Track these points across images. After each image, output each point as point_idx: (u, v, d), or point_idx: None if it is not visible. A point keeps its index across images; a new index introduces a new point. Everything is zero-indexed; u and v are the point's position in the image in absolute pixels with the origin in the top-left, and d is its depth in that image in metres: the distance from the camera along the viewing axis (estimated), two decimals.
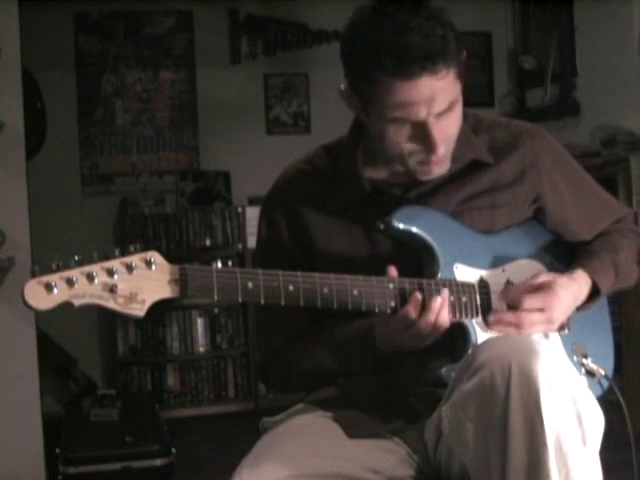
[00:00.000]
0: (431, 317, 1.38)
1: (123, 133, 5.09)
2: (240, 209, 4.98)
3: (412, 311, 1.38)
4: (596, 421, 1.25)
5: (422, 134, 1.41)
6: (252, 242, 4.85)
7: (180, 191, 5.08)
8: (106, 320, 4.95)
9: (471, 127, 1.56)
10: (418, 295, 1.38)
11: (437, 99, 1.37)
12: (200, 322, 4.94)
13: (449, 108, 1.40)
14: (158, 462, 3.37)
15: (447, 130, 1.43)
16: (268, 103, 5.31)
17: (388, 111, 1.39)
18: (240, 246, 4.92)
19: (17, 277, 3.19)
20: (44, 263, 1.18)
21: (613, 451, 1.38)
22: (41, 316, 3.42)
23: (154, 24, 5.13)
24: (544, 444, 1.18)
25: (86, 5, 4.97)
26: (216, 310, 4.98)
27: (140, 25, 5.11)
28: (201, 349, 4.95)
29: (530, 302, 1.46)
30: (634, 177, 3.94)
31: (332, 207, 1.54)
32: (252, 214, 4.92)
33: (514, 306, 1.47)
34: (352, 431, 1.44)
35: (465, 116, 1.53)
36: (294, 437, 1.43)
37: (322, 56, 5.21)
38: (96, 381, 4.78)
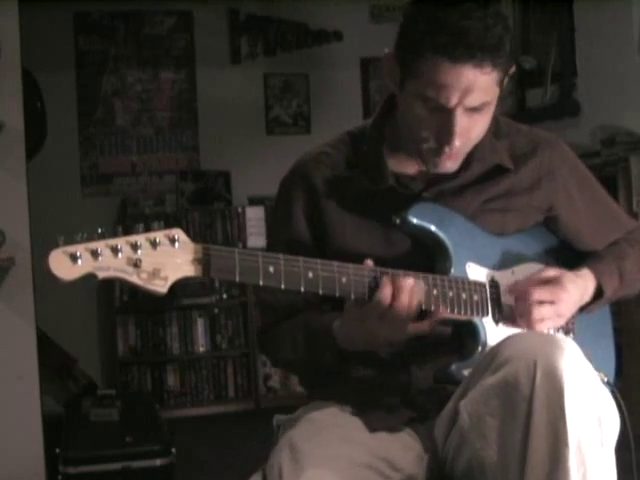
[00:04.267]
0: (404, 299, 1.35)
1: (123, 133, 5.09)
2: (240, 209, 4.98)
3: (384, 296, 1.35)
4: (613, 422, 1.26)
5: (445, 122, 1.41)
6: (252, 242, 4.86)
7: (180, 191, 5.08)
8: (106, 320, 4.95)
9: (492, 131, 1.57)
10: (387, 279, 1.36)
11: (472, 93, 1.38)
12: (200, 322, 4.95)
13: (480, 108, 1.42)
14: (158, 462, 3.37)
15: (470, 129, 1.44)
16: (268, 103, 5.31)
17: (423, 88, 1.40)
18: (240, 246, 4.91)
19: (17, 277, 3.19)
20: (68, 236, 1.17)
21: (614, 452, 1.38)
22: (41, 316, 3.42)
23: (154, 24, 5.13)
24: (566, 444, 1.18)
25: (86, 5, 4.97)
26: (216, 310, 4.98)
27: (140, 25, 5.11)
28: (201, 349, 4.95)
29: (539, 294, 1.47)
30: (634, 177, 3.94)
31: (352, 196, 1.54)
32: (252, 214, 4.92)
33: (523, 301, 1.48)
34: (372, 426, 1.44)
35: None
36: (323, 432, 1.42)
37: (322, 56, 5.21)
38: (96, 381, 4.78)
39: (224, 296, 4.96)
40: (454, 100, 1.39)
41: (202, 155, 5.17)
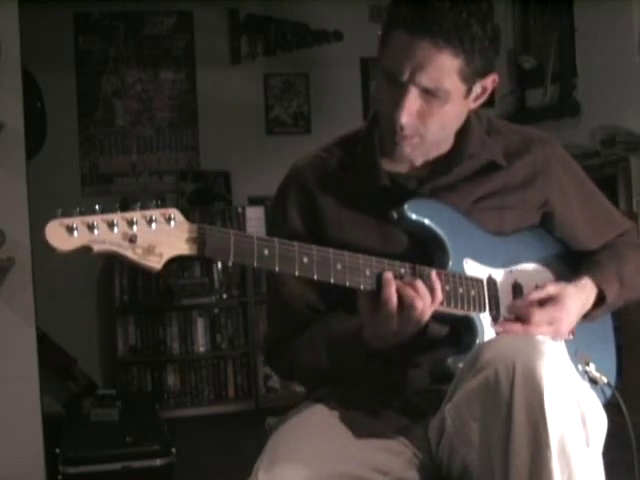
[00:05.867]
0: (415, 298, 1.36)
1: (123, 133, 5.09)
2: (240, 209, 4.98)
3: (391, 296, 1.36)
4: (599, 422, 1.25)
5: (397, 96, 1.42)
6: None
7: (180, 191, 5.08)
8: (106, 320, 4.95)
9: (484, 129, 1.58)
10: (389, 275, 1.37)
11: (426, 70, 1.38)
12: (200, 322, 4.94)
13: (436, 94, 1.41)
14: (158, 462, 3.37)
15: (424, 114, 1.43)
16: (268, 103, 5.30)
17: (385, 59, 1.43)
18: None
19: (17, 277, 3.19)
20: (67, 209, 1.20)
21: (614, 452, 1.38)
22: (41, 316, 3.42)
23: (154, 24, 5.13)
24: (547, 445, 1.18)
25: (86, 5, 4.97)
26: (216, 310, 4.98)
27: (140, 25, 5.11)
28: (201, 349, 4.95)
29: (539, 317, 1.47)
30: (634, 177, 3.94)
31: (347, 195, 1.55)
32: (252, 214, 4.92)
33: (522, 317, 1.48)
34: (358, 431, 1.43)
35: (480, 118, 1.55)
36: (306, 438, 1.42)
37: (322, 56, 5.21)
38: (96, 381, 4.77)
39: (224, 296, 4.96)
40: (406, 73, 1.39)
41: (202, 155, 5.17)
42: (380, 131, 1.55)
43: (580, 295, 1.53)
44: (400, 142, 1.47)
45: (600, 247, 1.66)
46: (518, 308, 1.50)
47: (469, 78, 1.43)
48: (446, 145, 1.54)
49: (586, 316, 1.57)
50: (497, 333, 1.47)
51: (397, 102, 1.42)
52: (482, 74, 1.45)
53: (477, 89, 1.47)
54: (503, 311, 1.51)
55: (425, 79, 1.39)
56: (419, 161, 1.53)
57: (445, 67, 1.39)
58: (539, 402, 1.18)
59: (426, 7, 1.37)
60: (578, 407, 1.21)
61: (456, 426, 1.28)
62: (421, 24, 1.36)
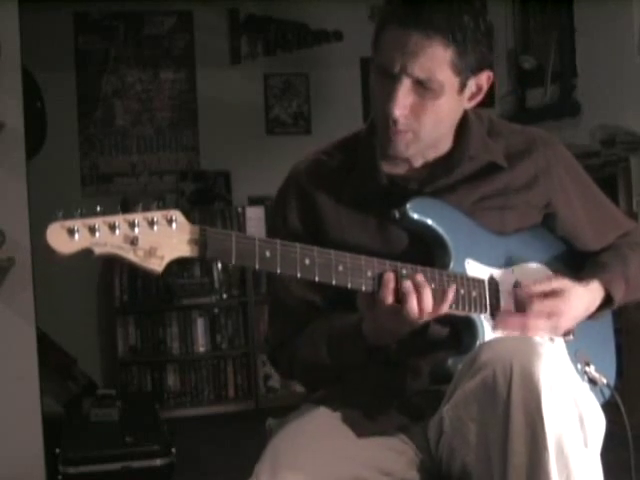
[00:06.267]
0: (413, 302, 1.36)
1: (123, 133, 5.09)
2: (240, 209, 4.98)
3: (387, 295, 1.36)
4: (597, 423, 1.26)
5: (390, 89, 1.41)
6: None
7: (180, 191, 5.08)
8: (106, 320, 4.95)
9: (485, 129, 1.57)
10: (390, 275, 1.37)
11: (417, 59, 1.38)
12: (200, 322, 4.94)
13: (429, 86, 1.40)
14: (158, 462, 3.38)
15: (418, 108, 1.43)
16: (268, 103, 5.31)
17: (377, 56, 1.44)
18: None
19: (17, 277, 3.19)
20: (67, 209, 1.19)
21: (611, 452, 1.38)
22: (41, 316, 3.42)
23: (154, 24, 5.13)
24: (545, 446, 1.18)
25: (86, 5, 4.97)
26: (216, 310, 4.98)
27: (140, 25, 5.11)
28: (201, 349, 4.95)
29: (540, 306, 1.47)
30: (634, 177, 3.95)
31: (347, 198, 1.55)
32: (252, 214, 4.92)
33: (523, 306, 1.48)
34: (359, 430, 1.43)
35: (481, 118, 1.55)
36: (308, 442, 1.41)
37: (322, 56, 5.21)
38: (96, 381, 4.78)
39: (224, 296, 4.96)
40: (398, 65, 1.39)
41: (202, 155, 5.17)
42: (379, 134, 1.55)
43: (587, 296, 1.53)
44: (394, 137, 1.46)
45: (603, 248, 1.66)
46: (521, 294, 1.49)
47: (462, 72, 1.42)
48: (445, 145, 1.54)
49: (590, 316, 1.56)
50: (496, 324, 1.47)
51: (389, 95, 1.41)
52: (475, 69, 1.44)
53: (471, 86, 1.47)
54: (501, 318, 1.50)
55: (417, 69, 1.39)
56: (418, 162, 1.53)
57: (436, 57, 1.39)
58: (536, 403, 1.18)
59: (418, 2, 1.38)
60: (576, 407, 1.21)
61: (454, 427, 1.29)
62: (412, 17, 1.37)
